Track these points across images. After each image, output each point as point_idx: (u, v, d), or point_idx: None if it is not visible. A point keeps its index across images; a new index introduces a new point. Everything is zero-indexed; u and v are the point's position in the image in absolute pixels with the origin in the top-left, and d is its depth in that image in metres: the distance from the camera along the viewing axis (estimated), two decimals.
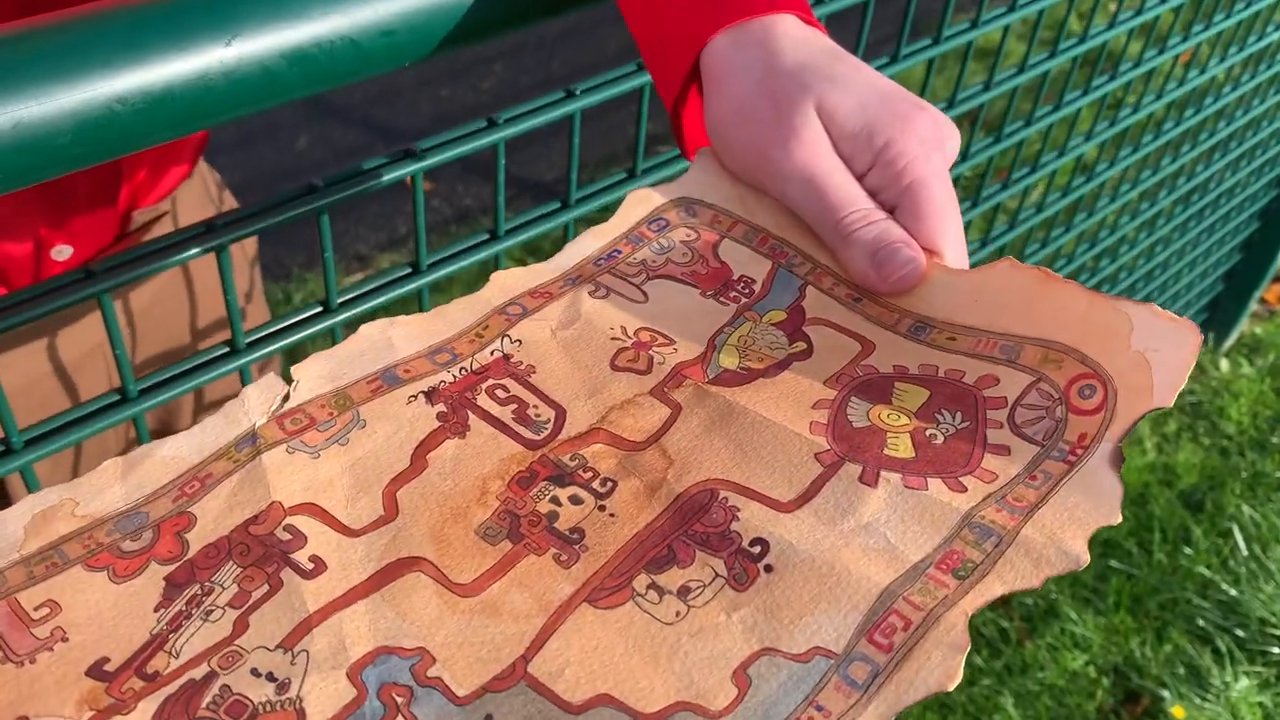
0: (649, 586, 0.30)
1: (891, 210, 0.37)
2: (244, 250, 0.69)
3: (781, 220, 0.40)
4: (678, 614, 0.29)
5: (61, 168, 0.35)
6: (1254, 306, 2.00)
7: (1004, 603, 1.58)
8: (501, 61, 2.67)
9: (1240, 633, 1.54)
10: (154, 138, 0.36)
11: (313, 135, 2.43)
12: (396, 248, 2.14)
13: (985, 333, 0.35)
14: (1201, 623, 1.56)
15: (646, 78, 0.59)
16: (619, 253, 0.39)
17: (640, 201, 0.41)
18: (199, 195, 0.62)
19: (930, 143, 0.36)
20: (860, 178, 0.37)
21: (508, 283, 0.38)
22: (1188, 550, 1.65)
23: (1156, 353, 0.31)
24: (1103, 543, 1.66)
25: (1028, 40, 0.89)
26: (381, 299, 0.54)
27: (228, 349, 0.50)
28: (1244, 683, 1.48)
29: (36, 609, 0.29)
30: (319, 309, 0.53)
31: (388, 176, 0.51)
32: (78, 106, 0.34)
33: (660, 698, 0.27)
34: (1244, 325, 2.02)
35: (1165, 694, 1.47)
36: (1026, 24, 2.54)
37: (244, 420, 0.33)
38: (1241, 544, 1.65)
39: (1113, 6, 0.93)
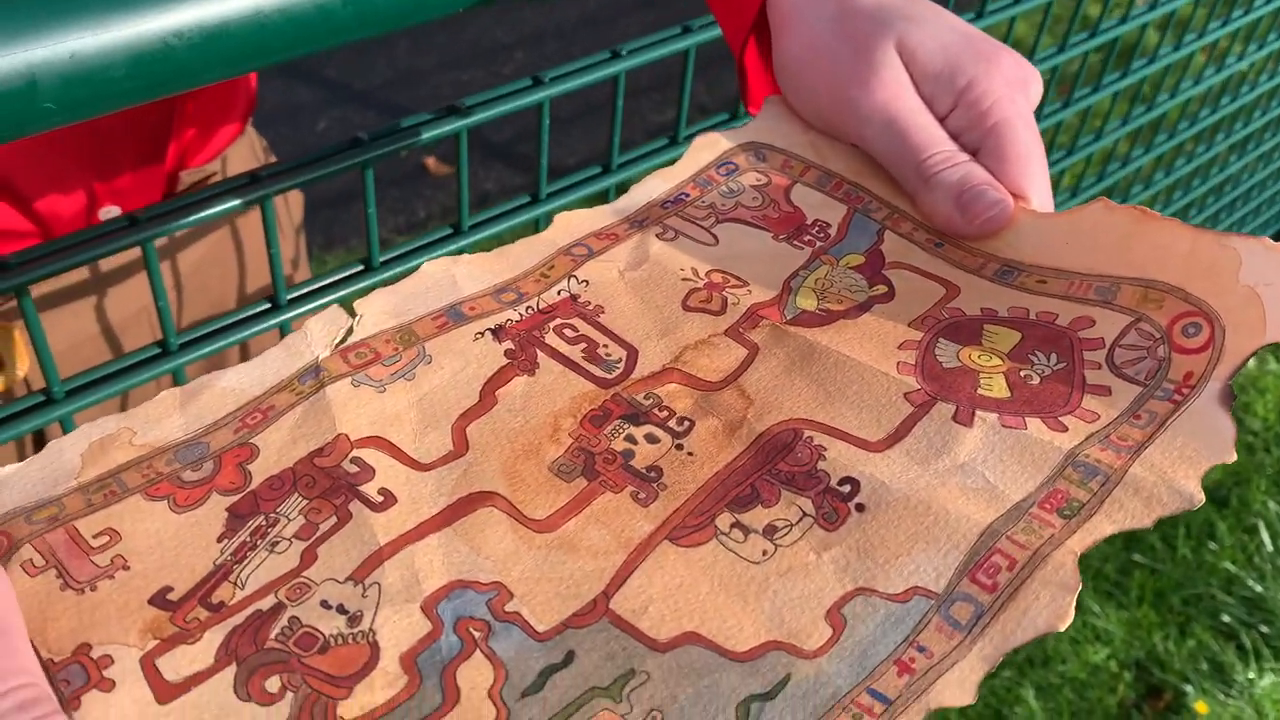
0: (733, 525, 0.29)
1: (974, 153, 0.36)
2: (290, 217, 0.68)
3: (856, 165, 0.38)
4: (764, 553, 0.28)
5: (116, 102, 0.34)
6: None
7: None
8: (523, 48, 2.66)
9: (1265, 629, 1.53)
10: (209, 75, 0.35)
11: (332, 118, 2.42)
12: (415, 231, 2.13)
13: (1078, 275, 0.34)
14: (1226, 618, 1.54)
15: (689, 41, 0.58)
16: (686, 196, 0.38)
17: (707, 146, 0.40)
18: (247, 158, 0.62)
19: (1015, 84, 0.35)
20: (942, 120, 0.36)
21: (572, 224, 0.37)
22: (1212, 546, 1.63)
23: (1269, 287, 0.30)
24: (1125, 536, 1.65)
25: (1037, 29, 0.87)
26: (424, 259, 0.53)
27: (270, 304, 0.50)
28: (1269, 679, 1.47)
29: (95, 536, 0.28)
30: (360, 267, 0.52)
31: (432, 133, 0.51)
32: (133, 40, 0.33)
33: (750, 636, 0.27)
34: None
35: (1188, 689, 1.46)
36: (1039, 17, 2.52)
37: (306, 353, 0.32)
38: (1267, 540, 1.63)
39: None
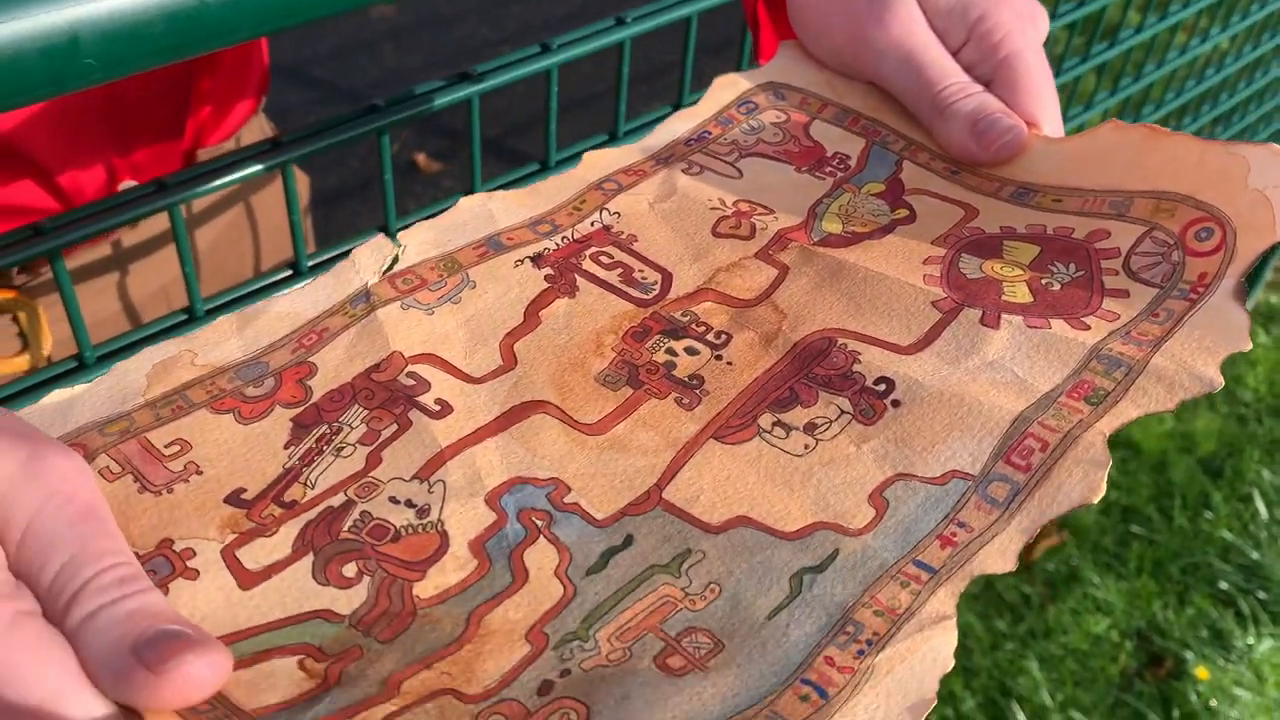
0: (774, 424, 0.30)
1: (987, 84, 0.37)
2: (299, 200, 0.69)
3: (872, 102, 0.40)
4: (806, 447, 0.29)
5: (152, 59, 0.35)
6: (1269, 275, 2.01)
7: (1026, 568, 1.59)
8: (509, 44, 2.66)
9: (1263, 595, 1.55)
10: (242, 32, 0.36)
11: (320, 119, 2.43)
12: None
13: (1092, 192, 0.35)
14: (1224, 586, 1.56)
15: (691, 8, 0.59)
16: (709, 134, 0.40)
17: (727, 86, 0.41)
18: (259, 139, 0.63)
19: (1025, 17, 0.36)
20: (955, 54, 0.37)
21: (600, 161, 0.38)
22: (1208, 515, 1.65)
23: (1277, 189, 0.31)
24: (1122, 509, 1.66)
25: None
26: None
27: (292, 270, 0.50)
28: (1267, 644, 1.49)
29: (167, 446, 0.29)
30: (378, 234, 0.53)
31: (445, 99, 0.52)
32: None
33: (798, 519, 0.28)
34: (1260, 294, 2.02)
35: (1189, 656, 1.48)
36: None
37: (355, 280, 0.33)
38: (1262, 509, 1.65)
39: None
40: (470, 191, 0.55)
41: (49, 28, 0.32)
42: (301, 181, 0.71)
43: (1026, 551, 1.62)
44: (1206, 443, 1.77)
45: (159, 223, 0.58)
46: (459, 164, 2.33)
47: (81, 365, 0.45)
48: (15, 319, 0.53)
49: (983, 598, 1.55)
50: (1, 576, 0.22)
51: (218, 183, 0.45)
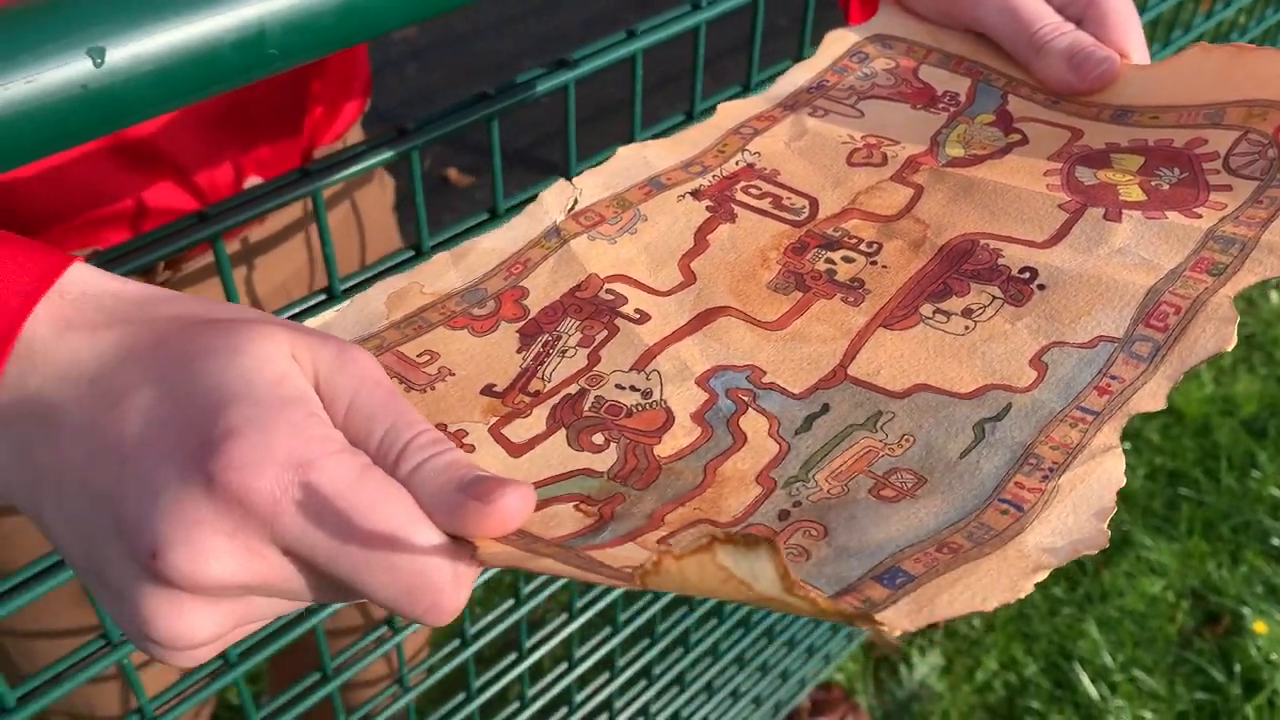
0: (935, 311, 0.34)
1: (1077, 23, 0.41)
2: (386, 198, 0.73)
3: (971, 46, 0.44)
4: (965, 328, 0.33)
5: (324, 49, 0.39)
6: None
7: None
8: (530, 56, 2.72)
9: None
10: (398, 19, 0.40)
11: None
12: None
13: (1185, 107, 0.39)
14: (1276, 542, 1.58)
15: (702, 15, 0.62)
16: (827, 82, 0.44)
17: (838, 40, 0.45)
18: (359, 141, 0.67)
19: None
20: None
21: (733, 110, 0.43)
22: (1255, 475, 1.67)
23: None
24: (1169, 473, 1.69)
25: None
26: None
27: (415, 251, 0.54)
28: None
29: (419, 356, 0.34)
30: (487, 216, 0.57)
31: (546, 85, 0.56)
32: None
33: (969, 383, 0.32)
34: None
35: (1245, 612, 1.50)
36: None
37: (545, 218, 0.38)
38: None
39: None
40: (494, 208, 0.59)
41: (241, 21, 0.37)
42: (388, 183, 0.76)
43: None
44: (1248, 405, 1.79)
45: (278, 220, 0.62)
46: (490, 177, 2.38)
47: None
48: None
49: None
50: (341, 438, 0.26)
51: (356, 168, 0.49)
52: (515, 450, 0.31)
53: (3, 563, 0.62)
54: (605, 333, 0.35)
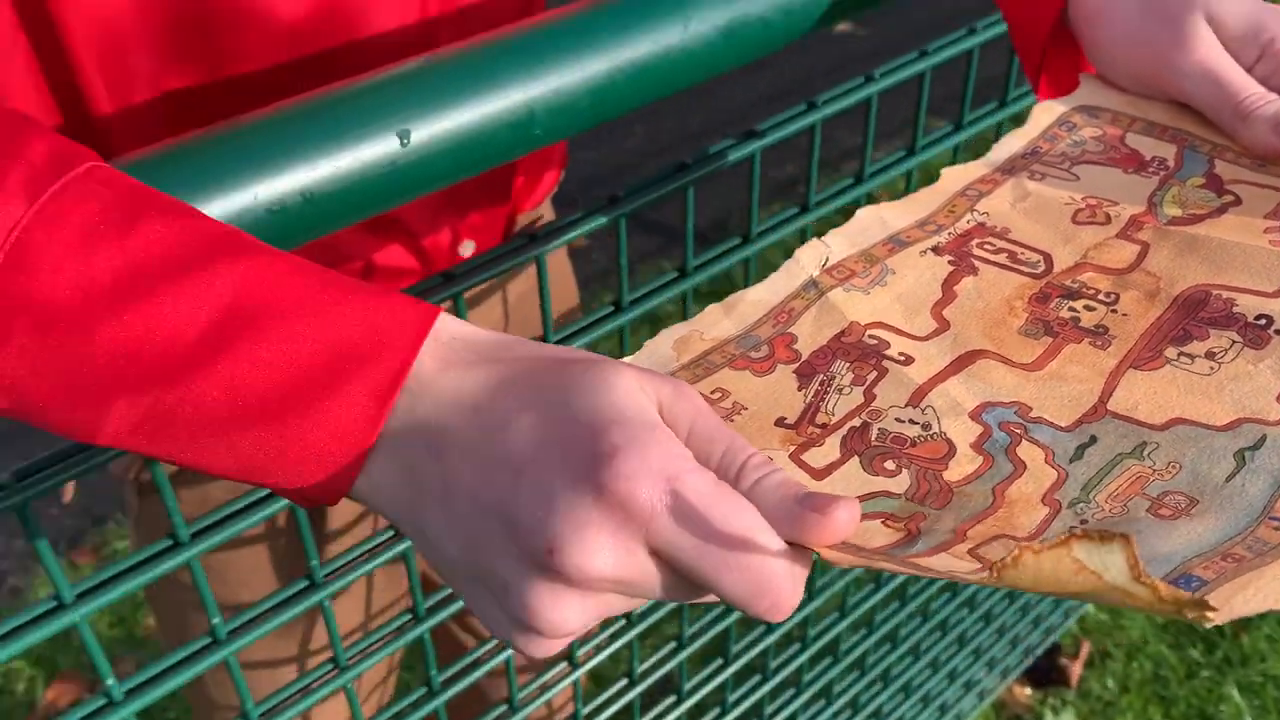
0: (1179, 354, 0.38)
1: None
2: (562, 257, 0.79)
3: (1173, 114, 0.48)
4: (1210, 369, 0.37)
5: (575, 129, 0.44)
6: None
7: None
8: (641, 123, 2.80)
9: None
10: (635, 101, 0.46)
11: None
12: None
13: None
14: None
15: (876, 87, 0.66)
16: (1040, 149, 0.48)
17: (1046, 111, 0.49)
18: (558, 206, 0.73)
19: None
20: (1248, 69, 0.45)
21: (957, 174, 0.47)
22: None
23: None
24: None
25: None
26: (725, 264, 0.62)
27: (614, 307, 0.59)
28: None
29: (711, 394, 0.38)
30: (676, 274, 0.62)
31: (736, 155, 0.60)
32: (591, 75, 0.44)
33: (1222, 417, 0.35)
34: None
35: None
36: None
37: (801, 274, 0.42)
38: None
39: None
40: (683, 266, 0.63)
41: (515, 105, 0.42)
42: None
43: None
44: None
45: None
46: (599, 237, 2.45)
47: None
48: None
49: (1172, 628, 1.55)
50: (692, 456, 0.31)
51: (576, 231, 0.54)
52: (816, 475, 0.35)
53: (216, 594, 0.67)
54: (875, 373, 0.38)
